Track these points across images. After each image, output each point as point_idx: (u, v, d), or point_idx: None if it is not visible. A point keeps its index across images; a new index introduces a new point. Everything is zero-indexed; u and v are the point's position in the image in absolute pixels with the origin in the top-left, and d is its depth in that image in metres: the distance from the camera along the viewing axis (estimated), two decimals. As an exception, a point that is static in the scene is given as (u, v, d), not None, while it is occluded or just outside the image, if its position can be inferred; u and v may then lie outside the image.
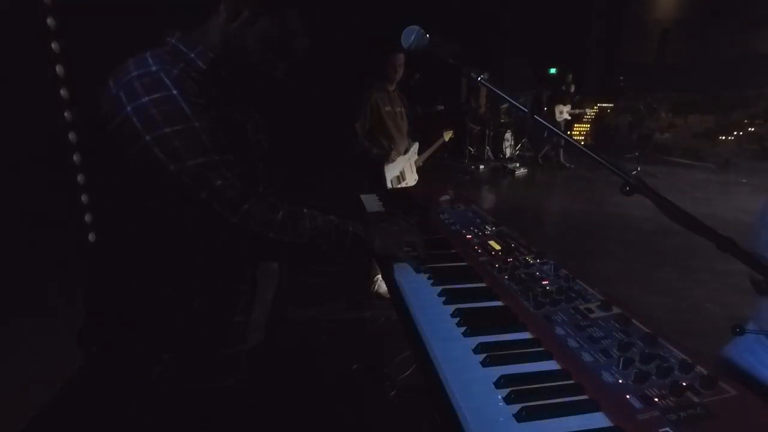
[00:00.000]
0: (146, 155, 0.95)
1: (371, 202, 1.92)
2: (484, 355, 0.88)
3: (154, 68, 0.98)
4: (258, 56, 1.08)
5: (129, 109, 0.95)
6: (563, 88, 9.51)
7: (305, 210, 1.10)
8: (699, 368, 0.80)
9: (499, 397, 0.78)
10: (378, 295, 3.71)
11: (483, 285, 1.17)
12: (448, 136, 4.33)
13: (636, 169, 7.31)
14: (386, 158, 3.63)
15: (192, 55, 1.05)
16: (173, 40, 1.07)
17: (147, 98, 0.95)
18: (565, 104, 9.46)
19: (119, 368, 1.10)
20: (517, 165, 9.55)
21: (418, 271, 1.24)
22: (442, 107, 7.37)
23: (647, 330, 0.92)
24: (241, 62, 1.08)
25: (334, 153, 3.66)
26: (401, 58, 3.50)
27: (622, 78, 10.76)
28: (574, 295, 1.06)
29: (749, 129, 11.31)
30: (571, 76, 9.47)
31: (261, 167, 1.19)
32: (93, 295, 1.13)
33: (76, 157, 2.18)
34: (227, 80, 1.09)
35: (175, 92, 0.96)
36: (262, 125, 1.24)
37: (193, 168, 0.95)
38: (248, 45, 1.06)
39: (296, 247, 1.07)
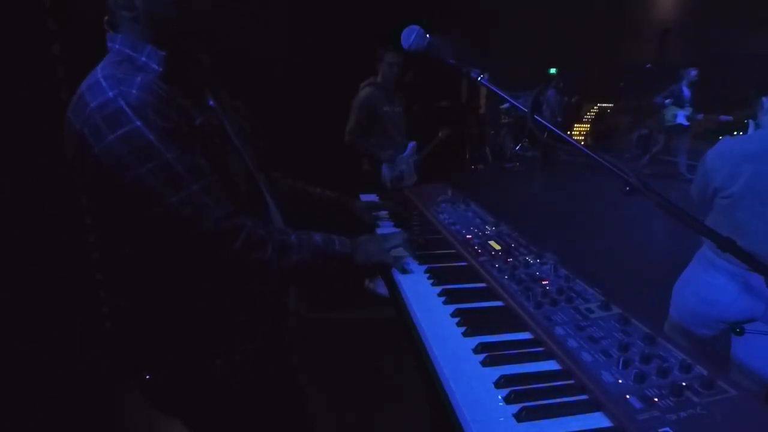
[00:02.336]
0: (125, 198, 0.94)
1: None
2: (484, 355, 0.88)
3: (110, 94, 0.91)
4: (181, 11, 1.00)
5: (97, 151, 0.91)
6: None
7: (293, 238, 1.10)
8: (699, 368, 0.80)
9: (499, 397, 0.78)
10: (378, 295, 3.71)
11: (483, 285, 1.17)
12: (444, 134, 4.32)
13: (641, 169, 7.21)
14: (385, 158, 3.62)
15: (143, 59, 0.98)
16: (117, 46, 1.00)
17: (112, 136, 0.90)
18: (681, 107, 8.55)
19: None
20: (517, 165, 9.54)
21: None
22: (447, 103, 7.32)
23: (647, 330, 0.91)
24: (175, 33, 1.01)
25: (333, 153, 3.66)
26: (400, 57, 3.50)
27: (622, 82, 10.75)
28: (574, 295, 1.06)
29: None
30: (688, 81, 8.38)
31: (250, 163, 1.17)
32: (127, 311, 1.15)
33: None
34: (187, 79, 1.04)
35: (138, 124, 0.90)
36: (246, 126, 1.22)
37: (173, 207, 0.94)
38: (167, 9, 0.99)
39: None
